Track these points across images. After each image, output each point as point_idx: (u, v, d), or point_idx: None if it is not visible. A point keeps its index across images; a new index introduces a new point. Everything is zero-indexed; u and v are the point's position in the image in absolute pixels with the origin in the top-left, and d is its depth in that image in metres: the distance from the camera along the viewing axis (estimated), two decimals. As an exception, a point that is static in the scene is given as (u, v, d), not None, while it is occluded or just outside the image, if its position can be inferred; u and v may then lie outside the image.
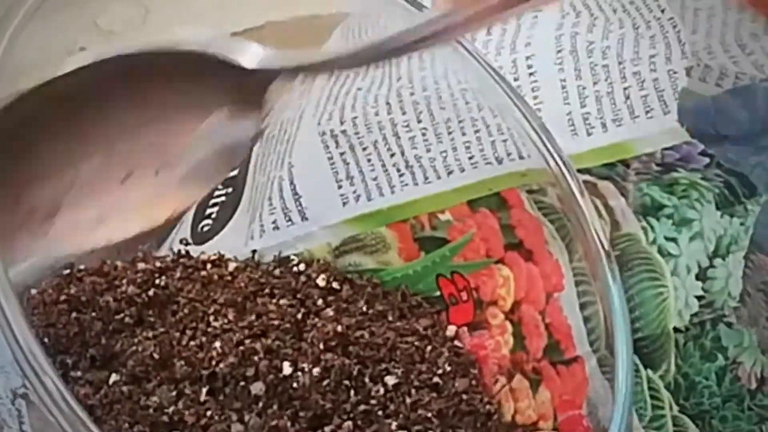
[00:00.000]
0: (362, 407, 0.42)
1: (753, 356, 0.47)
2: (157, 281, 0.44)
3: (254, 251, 0.48)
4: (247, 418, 0.41)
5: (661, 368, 0.46)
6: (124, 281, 0.44)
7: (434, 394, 0.43)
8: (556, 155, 0.43)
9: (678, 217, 0.46)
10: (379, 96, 0.47)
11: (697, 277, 0.47)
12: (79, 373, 0.42)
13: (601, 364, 0.43)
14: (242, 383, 0.41)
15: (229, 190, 0.51)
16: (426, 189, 0.47)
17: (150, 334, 0.42)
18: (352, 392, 0.42)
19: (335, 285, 0.46)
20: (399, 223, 0.47)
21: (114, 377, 0.41)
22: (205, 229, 0.50)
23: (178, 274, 0.45)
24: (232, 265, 0.46)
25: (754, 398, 0.47)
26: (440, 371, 0.44)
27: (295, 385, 0.41)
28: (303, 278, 0.46)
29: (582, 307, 0.44)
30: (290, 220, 0.48)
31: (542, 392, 0.45)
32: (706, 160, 0.47)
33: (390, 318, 0.46)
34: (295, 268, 0.47)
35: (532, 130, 0.44)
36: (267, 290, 0.45)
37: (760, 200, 0.48)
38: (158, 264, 0.45)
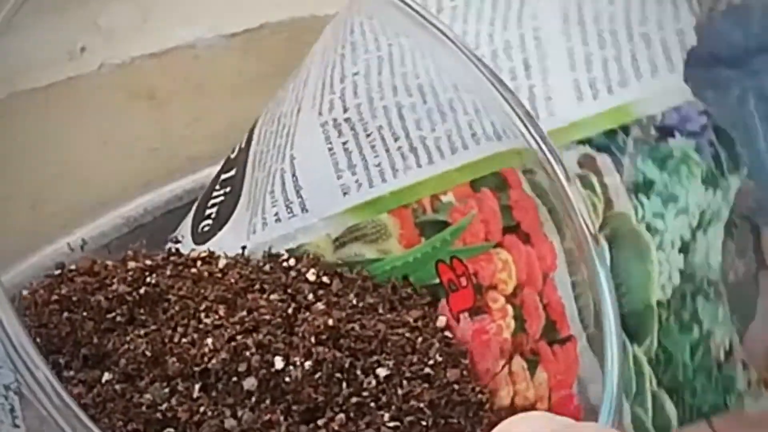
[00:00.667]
0: (354, 399, 0.42)
1: (724, 328, 0.47)
2: (147, 279, 0.44)
3: (244, 247, 0.48)
4: (240, 413, 0.41)
5: (645, 343, 0.46)
6: (115, 280, 0.44)
7: (426, 385, 0.43)
8: (541, 142, 0.44)
9: (666, 193, 0.47)
10: (383, 81, 0.47)
11: (680, 251, 0.47)
12: (71, 373, 0.42)
13: (590, 342, 0.44)
14: (234, 379, 0.41)
15: (228, 189, 0.51)
16: (430, 170, 0.47)
17: (142, 332, 0.42)
18: (344, 385, 0.42)
19: (325, 279, 0.46)
20: (400, 209, 0.47)
21: (107, 376, 0.41)
22: (205, 229, 0.50)
23: (168, 272, 0.45)
24: (222, 262, 0.46)
25: (720, 370, 0.47)
26: (431, 362, 0.44)
27: (287, 379, 0.41)
28: (293, 273, 0.46)
29: (573, 286, 0.44)
30: (291, 211, 0.48)
31: (539, 373, 0.45)
32: (704, 119, 0.47)
33: (380, 310, 0.46)
34: (285, 263, 0.47)
35: (518, 118, 0.44)
36: (257, 286, 0.45)
37: (741, 174, 0.48)
38: (148, 262, 0.45)
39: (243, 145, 0.51)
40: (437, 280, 0.47)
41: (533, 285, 0.45)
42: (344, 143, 0.47)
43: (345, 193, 0.47)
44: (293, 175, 0.48)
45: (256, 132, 0.51)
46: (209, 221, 0.50)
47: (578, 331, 0.44)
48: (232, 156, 0.52)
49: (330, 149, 0.47)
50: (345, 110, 0.47)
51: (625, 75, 0.47)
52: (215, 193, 0.51)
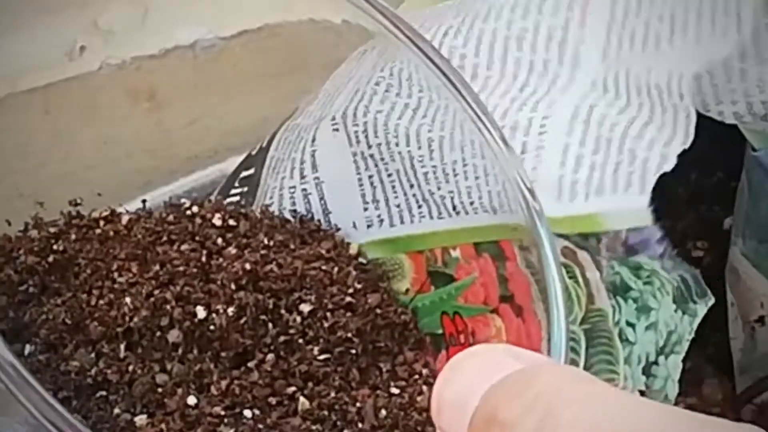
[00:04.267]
0: (282, 338, 0.43)
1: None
2: (54, 247, 0.44)
3: (144, 201, 0.48)
4: (169, 366, 0.41)
5: None
6: (21, 252, 0.43)
7: (349, 314, 0.44)
8: (538, 221, 0.42)
9: (641, 302, 0.47)
10: (400, 126, 0.47)
11: (643, 371, 0.47)
12: (-9, 350, 0.42)
13: None
14: (158, 333, 0.41)
15: (245, 189, 0.50)
16: (440, 224, 0.47)
17: (58, 301, 0.42)
18: (269, 326, 0.43)
19: (231, 222, 0.46)
20: (416, 253, 0.48)
21: (29, 348, 0.41)
22: None
23: (73, 236, 0.45)
24: (125, 218, 0.46)
25: None
26: (351, 290, 0.45)
27: (211, 327, 0.42)
28: (198, 220, 0.46)
29: None
30: None
31: None
32: (662, 248, 0.47)
33: (292, 246, 0.46)
34: (188, 212, 0.47)
35: (520, 193, 0.43)
36: (165, 238, 0.45)
37: (708, 302, 0.48)
38: (52, 229, 0.45)
39: (264, 144, 0.51)
40: (440, 331, 0.47)
41: None
42: (370, 177, 0.48)
43: (369, 226, 0.48)
44: (321, 198, 0.48)
45: (278, 136, 0.51)
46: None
47: None
48: (253, 153, 0.52)
49: (359, 180, 0.48)
50: (369, 146, 0.47)
51: (603, 185, 0.47)
52: (233, 191, 0.52)
